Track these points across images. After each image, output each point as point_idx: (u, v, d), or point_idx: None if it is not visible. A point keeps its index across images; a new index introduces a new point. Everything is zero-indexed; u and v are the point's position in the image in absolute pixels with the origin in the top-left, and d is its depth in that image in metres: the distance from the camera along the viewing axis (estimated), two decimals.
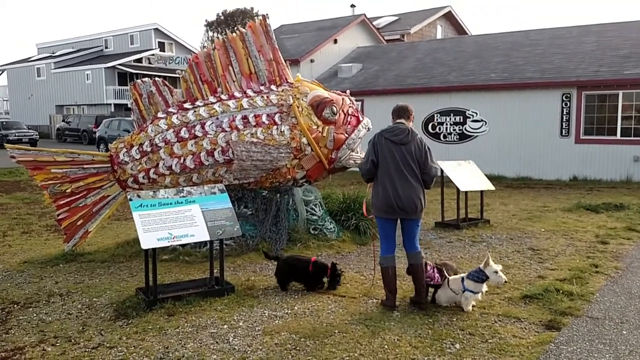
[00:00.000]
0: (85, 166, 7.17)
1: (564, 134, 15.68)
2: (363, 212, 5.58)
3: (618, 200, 10.60)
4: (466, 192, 8.81)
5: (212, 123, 7.12)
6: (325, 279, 5.55)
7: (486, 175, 16.20)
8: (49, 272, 6.47)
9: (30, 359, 4.06)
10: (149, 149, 7.17)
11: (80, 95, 42.80)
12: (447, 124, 17.64)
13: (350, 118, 7.84)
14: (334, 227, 7.57)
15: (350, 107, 7.89)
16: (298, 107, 7.39)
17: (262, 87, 7.59)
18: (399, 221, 4.94)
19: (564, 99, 15.57)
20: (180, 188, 5.51)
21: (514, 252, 6.94)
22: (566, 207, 10.13)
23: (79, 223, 7.19)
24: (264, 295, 5.37)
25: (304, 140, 7.32)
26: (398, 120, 4.93)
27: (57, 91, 44.26)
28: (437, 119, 17.76)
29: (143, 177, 7.21)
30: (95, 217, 7.26)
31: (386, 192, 4.76)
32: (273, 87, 7.62)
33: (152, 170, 7.17)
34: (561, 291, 5.14)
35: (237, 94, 7.46)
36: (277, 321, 4.68)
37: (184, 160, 7.08)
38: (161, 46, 44.45)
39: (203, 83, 7.55)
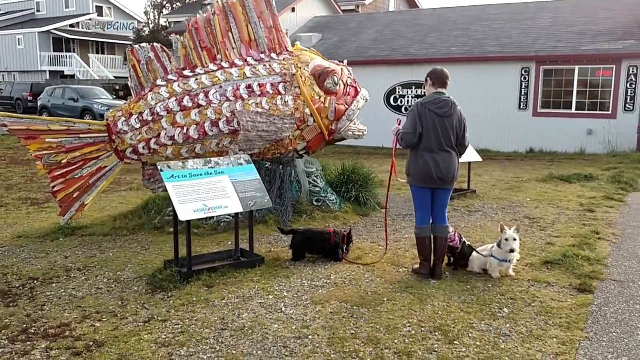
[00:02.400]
0: (82, 135, 6.83)
1: (522, 107, 16.28)
2: (392, 173, 5.56)
3: (582, 171, 11.17)
4: None
5: (216, 92, 6.93)
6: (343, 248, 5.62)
7: None
8: (52, 246, 6.19)
9: (82, 335, 3.91)
10: (149, 118, 6.89)
11: (11, 62, 40.30)
12: (408, 97, 17.89)
13: (350, 89, 7.83)
14: (335, 198, 7.60)
15: (349, 77, 7.88)
16: (301, 77, 7.30)
17: (262, 55, 7.44)
18: None
19: (523, 73, 16.11)
20: (209, 159, 5.37)
21: (513, 222, 7.22)
22: (540, 178, 10.59)
23: (75, 195, 6.86)
24: (294, 266, 5.37)
25: (307, 111, 7.26)
26: (440, 90, 4.96)
27: None
28: (399, 92, 17.98)
29: (143, 148, 6.94)
30: (92, 189, 6.94)
31: (427, 164, 4.82)
32: (274, 55, 7.48)
33: (153, 141, 6.92)
34: (580, 257, 5.42)
35: (238, 62, 7.27)
36: (320, 291, 4.71)
37: (187, 130, 6.87)
38: (99, 10, 42.38)
39: (202, 49, 7.31)
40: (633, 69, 14.86)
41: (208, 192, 5.04)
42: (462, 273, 5.19)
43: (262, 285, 4.83)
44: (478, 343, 3.75)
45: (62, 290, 4.79)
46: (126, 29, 42.23)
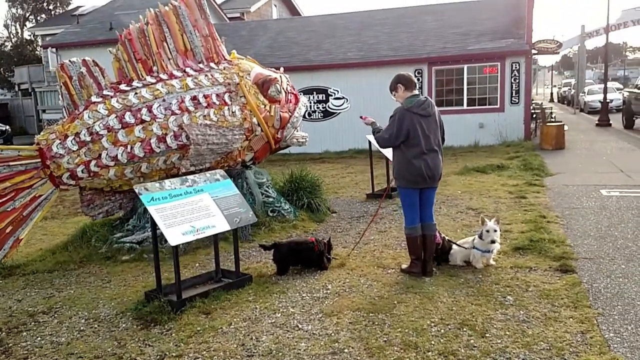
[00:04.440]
0: (11, 163, 6.11)
1: None
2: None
3: (491, 162, 11.95)
4: (387, 163, 9.19)
5: (160, 105, 6.53)
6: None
7: (352, 150, 17.20)
8: None
9: None
10: (87, 138, 6.34)
11: None
12: (310, 102, 18.04)
13: (290, 96, 7.76)
14: (289, 207, 7.47)
15: (288, 84, 7.80)
16: (245, 86, 7.10)
17: (201, 65, 7.13)
18: None
19: (416, 74, 16.89)
20: (185, 177, 5.02)
21: (459, 213, 7.56)
22: (457, 171, 11.15)
23: (8, 230, 6.13)
24: (283, 281, 5.19)
25: (254, 120, 7.08)
26: (414, 92, 5.06)
27: None
28: None
29: (82, 171, 6.37)
30: (27, 222, 6.25)
31: (418, 165, 4.90)
32: (212, 65, 7.20)
33: (93, 162, 6.37)
34: (545, 240, 5.79)
35: (176, 73, 6.91)
36: (326, 302, 4.59)
37: (132, 148, 6.40)
38: None
39: (137, 61, 6.84)
40: (515, 64, 16.16)
41: (192, 212, 4.71)
42: (447, 267, 5.32)
43: (262, 304, 4.61)
44: (507, 332, 3.86)
45: (39, 338, 4.24)
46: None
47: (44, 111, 27.60)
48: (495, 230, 5.17)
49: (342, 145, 17.40)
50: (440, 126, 5.12)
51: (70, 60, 6.53)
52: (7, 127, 21.73)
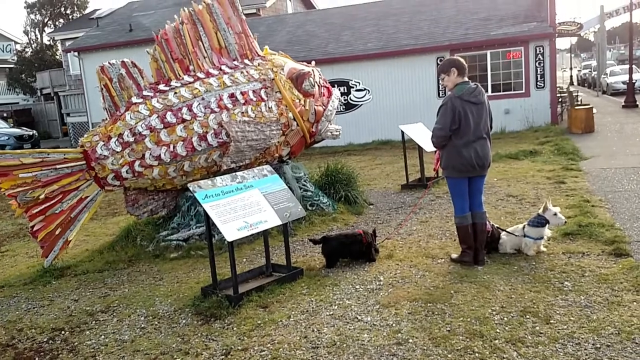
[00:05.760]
0: (58, 166, 6.21)
1: (441, 95, 16.94)
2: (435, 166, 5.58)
3: (522, 148, 11.84)
4: (421, 153, 9.16)
5: (199, 104, 6.58)
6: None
7: (376, 141, 17.17)
8: (49, 291, 5.58)
9: None
10: (131, 139, 6.41)
11: None
12: None
13: (323, 89, 7.77)
14: (328, 200, 7.49)
15: (320, 77, 7.81)
16: (280, 81, 7.11)
17: (235, 62, 7.16)
18: None
19: (439, 62, 16.77)
20: (234, 174, 5.05)
21: (499, 200, 7.51)
22: None
23: (57, 232, 6.24)
24: (333, 273, 5.21)
25: (290, 115, 7.10)
26: (465, 79, 5.01)
27: None
28: None
29: (127, 172, 6.46)
30: (74, 224, 6.35)
31: (467, 154, 4.86)
32: (247, 61, 7.23)
33: (137, 163, 6.44)
34: (594, 225, 5.73)
35: (212, 71, 6.95)
36: (381, 293, 4.60)
37: (174, 147, 6.46)
38: None
39: (174, 61, 6.89)
40: (539, 48, 15.98)
41: (244, 208, 4.75)
42: (498, 255, 5.29)
43: (317, 297, 4.64)
44: (572, 318, 3.84)
45: (102, 337, 4.31)
46: (2, 51, 38.91)
47: (68, 114, 27.91)
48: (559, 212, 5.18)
49: (365, 137, 17.38)
50: (489, 113, 5.07)
51: (110, 62, 6.60)
52: (34, 131, 22.03)
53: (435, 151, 5.44)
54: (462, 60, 5.08)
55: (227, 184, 4.85)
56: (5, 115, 28.41)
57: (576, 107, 14.90)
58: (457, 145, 4.90)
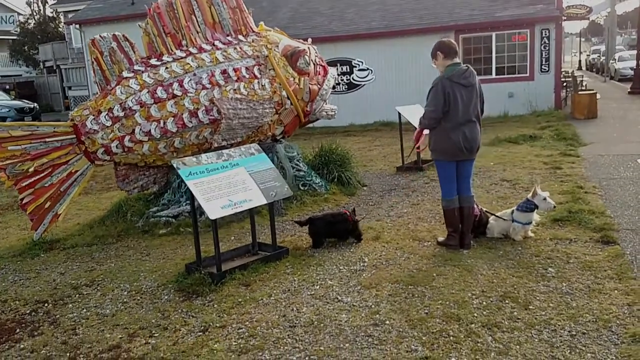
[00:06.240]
0: (47, 139, 6.18)
1: None
2: (414, 146, 5.58)
3: (522, 132, 11.73)
4: None
5: (191, 80, 6.51)
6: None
7: (378, 122, 17.05)
8: (37, 264, 5.61)
9: (145, 355, 3.55)
10: (121, 114, 6.36)
11: None
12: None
13: (319, 68, 7.68)
14: (320, 181, 7.45)
15: (316, 56, 7.71)
16: (274, 59, 7.03)
17: (229, 38, 7.07)
18: None
19: None
20: (220, 152, 5.02)
21: (494, 185, 7.46)
22: (487, 142, 10.95)
23: (46, 206, 6.23)
24: (319, 254, 5.21)
25: (283, 93, 7.03)
26: (455, 60, 4.91)
27: None
28: None
29: (117, 147, 6.42)
30: (64, 198, 6.34)
31: (455, 137, 4.80)
32: (241, 37, 7.14)
33: (127, 138, 6.40)
34: (584, 211, 5.69)
35: (205, 47, 6.86)
36: (364, 274, 4.60)
37: (164, 123, 6.41)
38: None
39: (167, 35, 6.81)
40: (545, 31, 15.74)
41: (229, 186, 4.72)
42: (485, 239, 5.27)
43: (300, 277, 4.64)
44: (551, 304, 3.82)
45: (84, 310, 4.33)
46: (5, 22, 38.73)
47: (69, 88, 27.86)
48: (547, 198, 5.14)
49: (367, 117, 17.23)
50: (480, 96, 4.98)
51: (100, 36, 6.53)
52: (35, 104, 22.01)
53: (416, 130, 5.35)
54: (449, 42, 4.96)
55: (212, 161, 4.82)
56: (7, 87, 28.38)
57: (579, 93, 14.74)
58: (446, 129, 4.83)
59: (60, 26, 33.23)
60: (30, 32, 34.83)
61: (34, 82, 31.93)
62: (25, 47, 34.87)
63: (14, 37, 36.22)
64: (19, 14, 39.53)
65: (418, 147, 6.27)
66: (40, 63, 32.34)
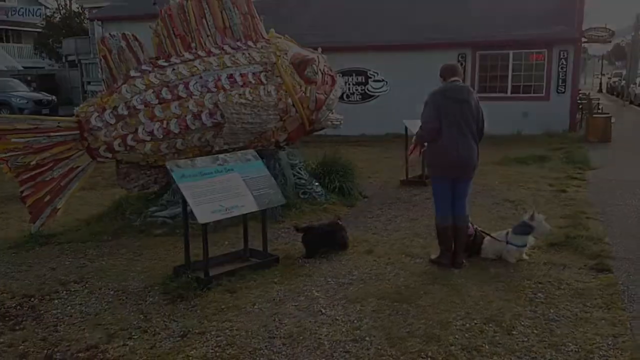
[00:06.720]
0: (51, 134, 6.23)
1: None
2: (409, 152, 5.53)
3: (533, 152, 11.61)
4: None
5: (197, 82, 6.53)
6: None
7: (390, 134, 16.99)
8: (31, 257, 5.65)
9: (119, 357, 3.55)
10: (125, 113, 6.39)
11: None
12: (349, 84, 17.88)
13: (327, 77, 7.67)
14: (321, 190, 7.43)
15: (325, 65, 7.71)
16: (282, 66, 7.04)
17: (238, 43, 7.10)
18: None
19: (460, 59, 16.50)
20: (216, 156, 5.03)
21: (495, 204, 7.38)
22: (496, 161, 10.88)
23: (46, 199, 6.26)
24: (310, 264, 5.18)
25: (289, 101, 7.03)
26: (454, 78, 4.90)
27: None
28: None
29: (119, 145, 6.44)
30: (64, 192, 6.37)
31: (448, 152, 4.78)
32: (250, 43, 7.16)
33: (129, 137, 6.43)
34: (582, 237, 5.60)
35: (214, 50, 6.89)
36: (350, 288, 4.56)
37: (167, 124, 6.44)
38: None
39: (176, 37, 6.86)
40: (564, 53, 15.61)
41: (222, 191, 4.73)
42: (478, 260, 5.20)
43: (287, 286, 4.61)
44: (535, 331, 3.76)
45: (69, 307, 4.35)
46: (32, 15, 39.35)
47: (88, 83, 28.15)
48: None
49: (380, 128, 17.16)
50: (478, 115, 4.94)
51: (110, 34, 6.59)
52: (53, 97, 22.29)
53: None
54: (449, 65, 5.06)
55: (207, 165, 4.83)
56: (29, 78, 28.77)
57: (594, 115, 14.57)
58: (440, 144, 4.81)
59: (85, 22, 33.69)
60: (55, 26, 35.33)
61: (55, 75, 32.34)
62: (50, 41, 35.38)
63: (39, 30, 36.76)
64: (46, 7, 40.14)
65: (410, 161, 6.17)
66: (63, 57, 32.76)
